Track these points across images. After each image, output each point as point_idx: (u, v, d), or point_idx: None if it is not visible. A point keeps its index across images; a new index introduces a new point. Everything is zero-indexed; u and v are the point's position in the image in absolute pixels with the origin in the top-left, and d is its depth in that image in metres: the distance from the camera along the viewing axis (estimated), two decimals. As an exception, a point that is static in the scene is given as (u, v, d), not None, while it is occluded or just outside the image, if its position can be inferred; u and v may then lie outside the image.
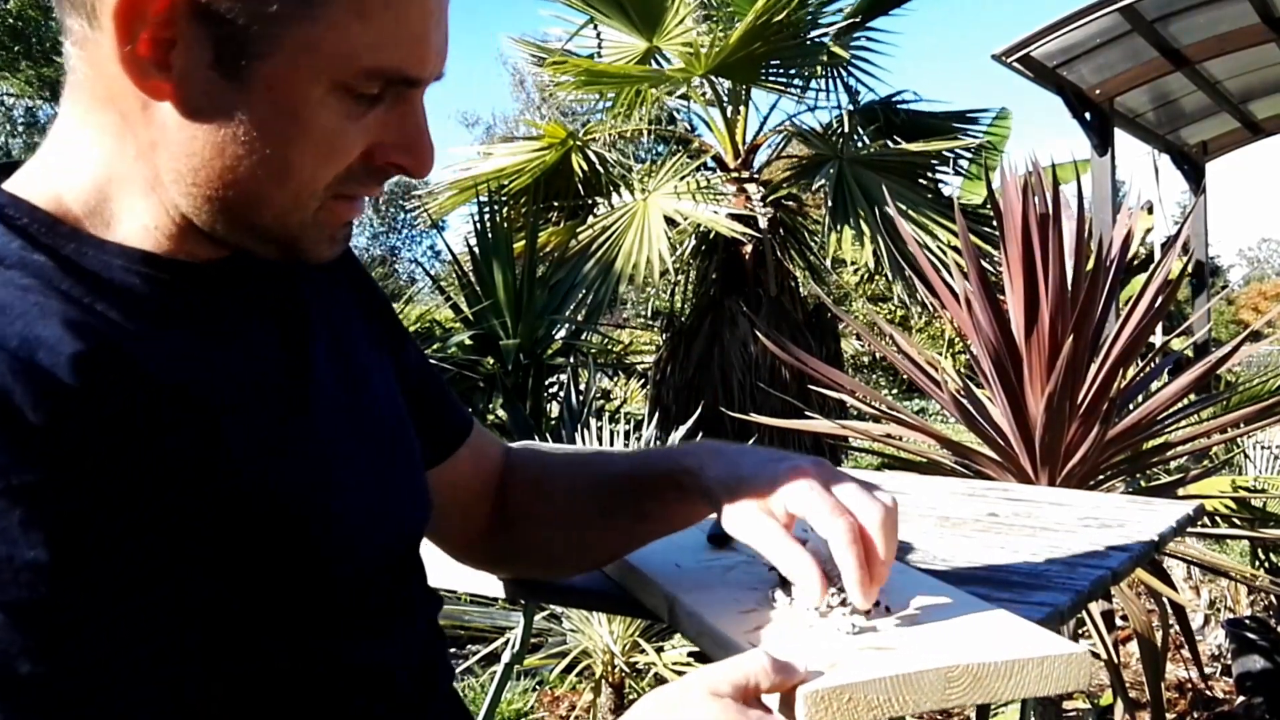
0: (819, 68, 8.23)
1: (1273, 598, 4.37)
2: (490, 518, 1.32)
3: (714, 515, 1.34)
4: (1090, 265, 3.19)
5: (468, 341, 6.64)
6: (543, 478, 1.33)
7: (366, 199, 0.96)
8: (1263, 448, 5.60)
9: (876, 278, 8.96)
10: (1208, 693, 3.92)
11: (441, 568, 1.23)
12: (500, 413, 6.30)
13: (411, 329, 6.37)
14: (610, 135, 8.46)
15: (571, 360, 6.67)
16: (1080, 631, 2.99)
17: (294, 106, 0.84)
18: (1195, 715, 3.77)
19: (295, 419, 0.96)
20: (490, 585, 1.45)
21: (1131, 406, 3.42)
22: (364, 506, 1.00)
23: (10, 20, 25.80)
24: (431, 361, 1.30)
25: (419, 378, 1.23)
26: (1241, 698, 3.77)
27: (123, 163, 0.89)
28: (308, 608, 0.93)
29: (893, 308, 17.63)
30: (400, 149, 0.91)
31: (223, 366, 0.92)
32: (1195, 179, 11.06)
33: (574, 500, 1.27)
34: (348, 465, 0.99)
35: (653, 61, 8.26)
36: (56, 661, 0.74)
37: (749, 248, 7.99)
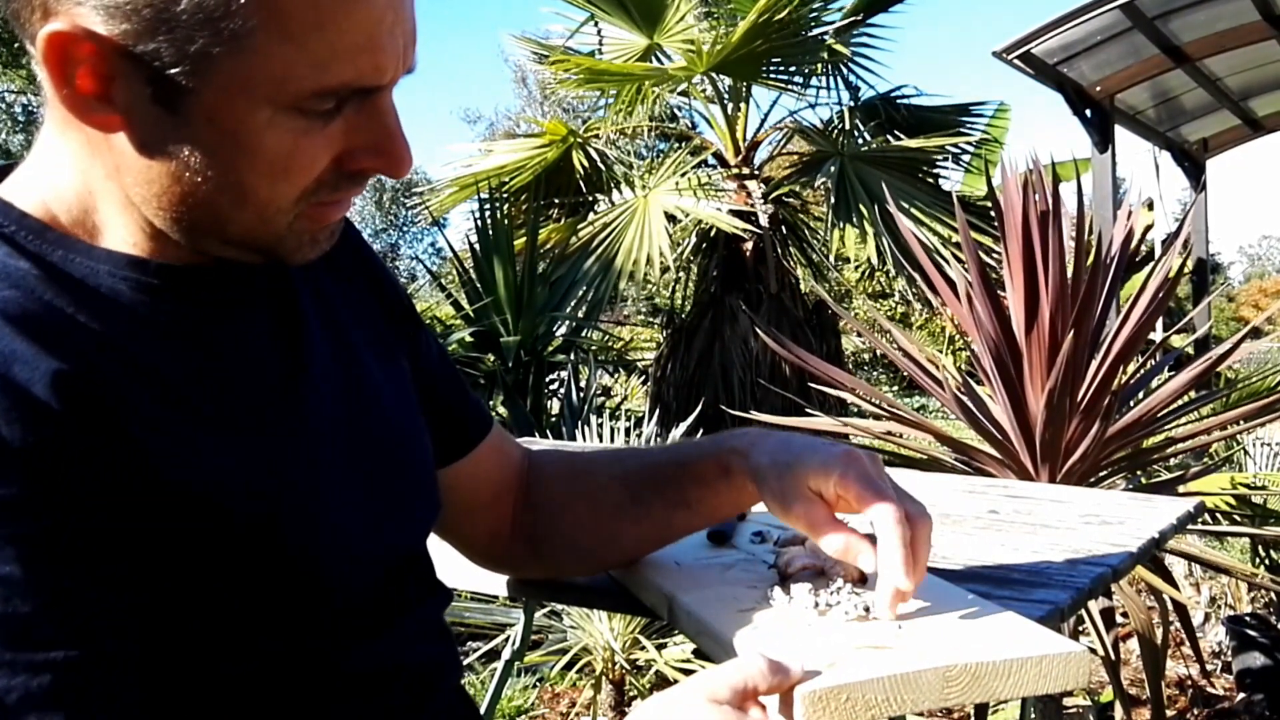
0: (820, 64, 8.23)
1: (1273, 595, 4.37)
2: (513, 518, 1.31)
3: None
4: (1090, 262, 3.19)
5: (468, 338, 6.64)
6: (575, 473, 1.32)
7: (354, 198, 0.95)
8: (1263, 444, 5.59)
9: (877, 274, 8.97)
10: (1208, 690, 3.91)
11: (443, 565, 1.23)
12: (501, 409, 6.29)
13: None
14: (611, 132, 8.45)
15: (572, 357, 6.68)
16: (1080, 629, 2.99)
17: (239, 134, 0.83)
18: (1195, 712, 3.77)
19: (285, 427, 0.95)
20: (491, 582, 1.44)
21: (1132, 403, 3.41)
22: (358, 514, 0.99)
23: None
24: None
25: (437, 374, 1.23)
26: (1242, 695, 3.77)
27: (97, 180, 0.89)
28: (301, 614, 0.93)
29: (893, 305, 17.64)
30: (371, 153, 0.89)
31: (210, 375, 0.91)
32: (1196, 176, 11.06)
33: (608, 492, 1.26)
34: (341, 472, 0.99)
35: (653, 58, 8.26)
36: (34, 674, 0.74)
37: (749, 244, 7.99)
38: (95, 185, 0.89)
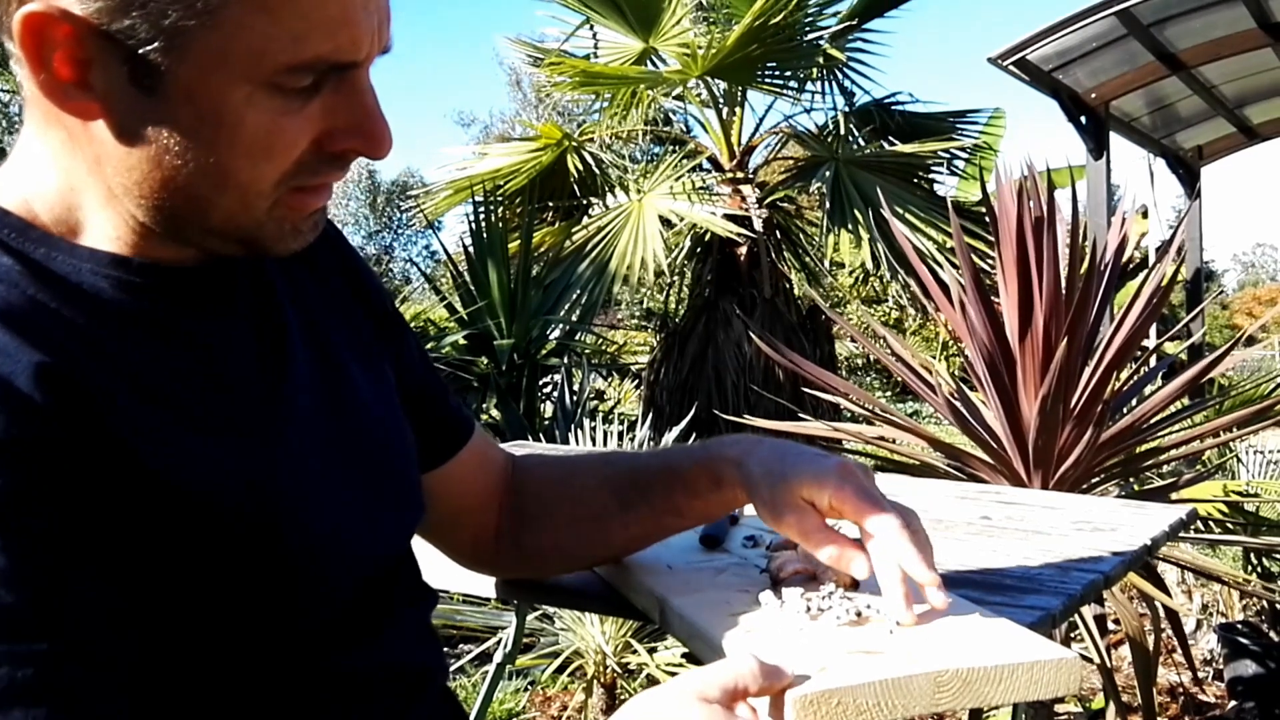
0: (815, 69, 8.24)
1: (1265, 602, 4.37)
2: (498, 523, 1.31)
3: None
4: (1084, 269, 3.19)
5: (462, 341, 6.64)
6: (561, 478, 1.32)
7: (333, 187, 0.94)
8: (1256, 452, 5.59)
9: (871, 279, 8.97)
10: (1199, 697, 3.92)
11: (434, 567, 1.22)
12: (494, 413, 6.29)
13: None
14: (606, 136, 8.46)
15: (565, 360, 6.68)
16: (1072, 635, 2.99)
17: (218, 113, 0.83)
18: (1187, 719, 3.77)
19: (272, 429, 0.95)
20: (483, 585, 1.44)
21: (1125, 410, 3.41)
22: (348, 517, 0.99)
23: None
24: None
25: (421, 378, 1.22)
26: (1233, 702, 3.77)
27: (79, 176, 0.88)
28: (292, 617, 0.92)
29: (887, 310, 17.65)
30: (350, 133, 0.89)
31: (195, 375, 0.91)
32: (1190, 183, 11.06)
33: (595, 496, 1.27)
34: (328, 475, 0.98)
35: (649, 62, 8.27)
36: (17, 666, 0.73)
37: (743, 249, 7.99)
38: (78, 182, 0.88)
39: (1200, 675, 4.06)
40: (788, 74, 8.15)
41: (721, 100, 8.35)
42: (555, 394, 6.28)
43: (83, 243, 0.89)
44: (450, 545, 1.33)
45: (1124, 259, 3.39)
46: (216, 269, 0.96)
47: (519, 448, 1.40)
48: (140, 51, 0.80)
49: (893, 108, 8.66)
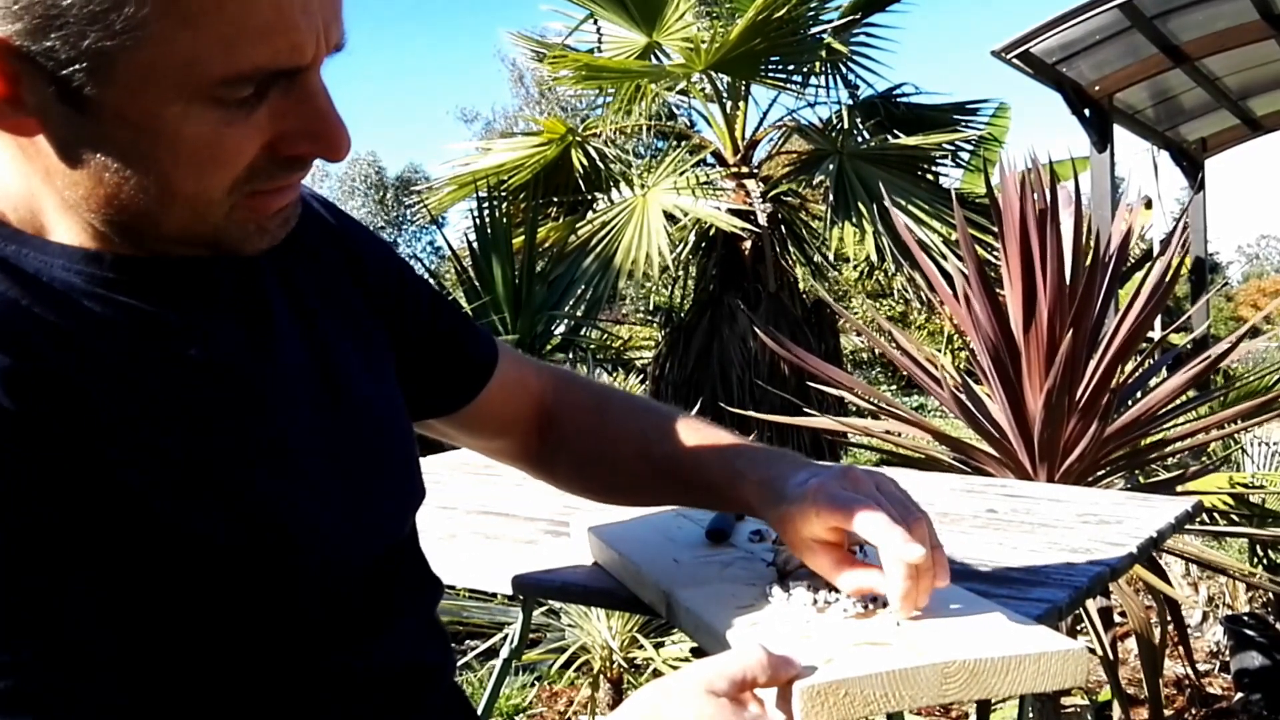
0: (818, 63, 8.22)
1: (1271, 594, 4.37)
2: (541, 445, 1.36)
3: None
4: (1089, 261, 3.19)
5: (466, 336, 6.62)
6: (601, 432, 1.35)
7: (299, 185, 0.92)
8: (1261, 444, 5.59)
9: (876, 273, 8.96)
10: (1205, 689, 3.92)
11: (439, 564, 1.22)
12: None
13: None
14: (610, 131, 8.44)
15: (571, 356, 6.68)
16: (1078, 628, 2.99)
17: (154, 130, 0.80)
18: (1193, 712, 3.77)
19: (256, 424, 0.93)
20: (488, 580, 1.45)
21: (1130, 402, 3.41)
22: (336, 510, 0.97)
23: None
24: None
25: (429, 326, 1.23)
26: (1239, 694, 3.77)
27: (35, 184, 0.86)
28: (287, 616, 0.92)
29: (892, 304, 17.65)
30: (304, 137, 0.86)
31: (174, 372, 0.89)
32: (1194, 175, 11.05)
33: (631, 466, 1.32)
34: (317, 466, 0.97)
35: (652, 57, 8.25)
36: (11, 669, 0.72)
37: (748, 243, 7.98)
38: (36, 188, 0.86)
39: (1206, 667, 4.06)
40: (791, 68, 8.13)
41: (725, 94, 8.33)
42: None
43: (53, 239, 0.87)
44: (508, 456, 1.40)
45: (1128, 251, 3.39)
46: (196, 260, 0.94)
47: (561, 375, 1.44)
48: (63, 73, 0.77)
49: (896, 100, 8.64)
